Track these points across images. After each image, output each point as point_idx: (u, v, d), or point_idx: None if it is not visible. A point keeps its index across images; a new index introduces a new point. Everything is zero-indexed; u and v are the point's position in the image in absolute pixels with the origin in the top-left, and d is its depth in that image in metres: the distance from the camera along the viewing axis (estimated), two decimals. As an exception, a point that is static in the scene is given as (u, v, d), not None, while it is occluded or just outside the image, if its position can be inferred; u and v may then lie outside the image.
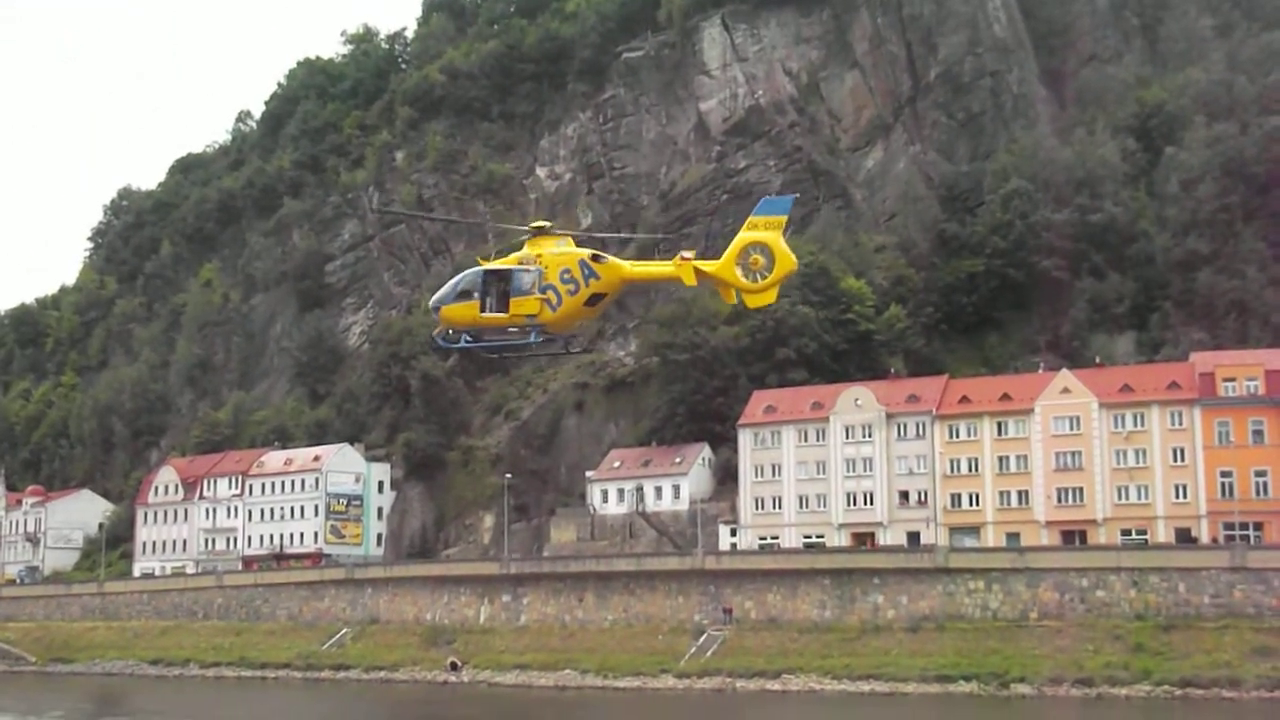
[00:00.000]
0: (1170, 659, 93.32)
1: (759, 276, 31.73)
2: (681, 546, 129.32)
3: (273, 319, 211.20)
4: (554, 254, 33.58)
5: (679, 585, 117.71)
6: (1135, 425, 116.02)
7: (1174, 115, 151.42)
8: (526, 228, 34.58)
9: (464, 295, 34.56)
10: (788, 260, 31.83)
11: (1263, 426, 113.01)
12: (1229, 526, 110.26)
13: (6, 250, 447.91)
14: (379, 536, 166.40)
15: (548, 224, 34.78)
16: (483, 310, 34.18)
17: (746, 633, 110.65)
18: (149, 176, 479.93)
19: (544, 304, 33.57)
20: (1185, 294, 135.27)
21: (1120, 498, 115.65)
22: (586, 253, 33.38)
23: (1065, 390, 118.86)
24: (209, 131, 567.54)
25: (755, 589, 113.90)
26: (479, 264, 34.46)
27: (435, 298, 35.51)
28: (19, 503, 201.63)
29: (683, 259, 32.75)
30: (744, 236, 32.35)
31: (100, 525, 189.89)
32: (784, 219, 32.32)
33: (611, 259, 33.22)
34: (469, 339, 35.12)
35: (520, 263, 33.83)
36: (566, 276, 33.44)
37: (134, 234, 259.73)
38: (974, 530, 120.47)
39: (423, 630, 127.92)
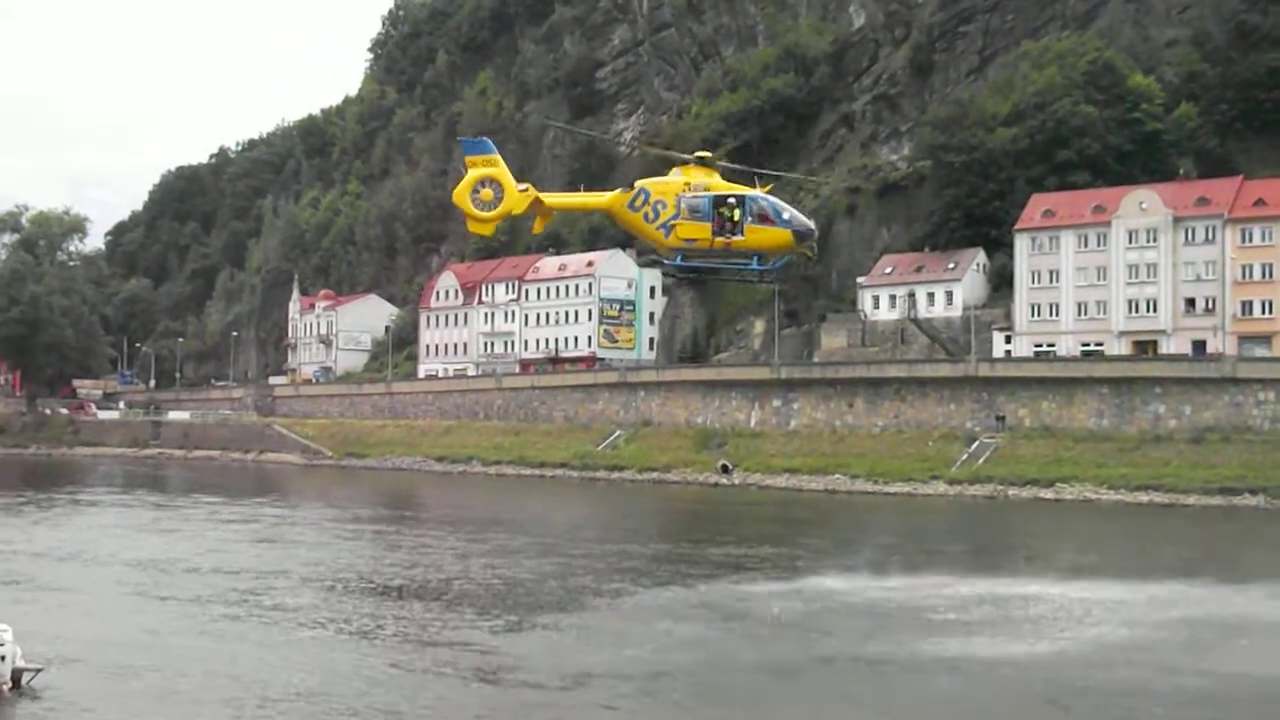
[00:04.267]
0: None
1: (488, 208, 35.48)
2: (954, 353, 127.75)
3: (545, 126, 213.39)
4: None
5: (951, 392, 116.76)
6: None
7: None
8: (688, 157, 39.71)
9: None
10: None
11: None
12: None
13: (295, 63, 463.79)
14: (651, 341, 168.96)
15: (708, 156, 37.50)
16: None
17: (1019, 440, 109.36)
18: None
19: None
20: None
21: None
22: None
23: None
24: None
25: (1030, 396, 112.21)
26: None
27: None
28: (312, 306, 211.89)
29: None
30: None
31: (386, 328, 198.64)
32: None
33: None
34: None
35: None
36: None
37: (411, 44, 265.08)
38: (1265, 339, 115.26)
39: (694, 433, 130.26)
